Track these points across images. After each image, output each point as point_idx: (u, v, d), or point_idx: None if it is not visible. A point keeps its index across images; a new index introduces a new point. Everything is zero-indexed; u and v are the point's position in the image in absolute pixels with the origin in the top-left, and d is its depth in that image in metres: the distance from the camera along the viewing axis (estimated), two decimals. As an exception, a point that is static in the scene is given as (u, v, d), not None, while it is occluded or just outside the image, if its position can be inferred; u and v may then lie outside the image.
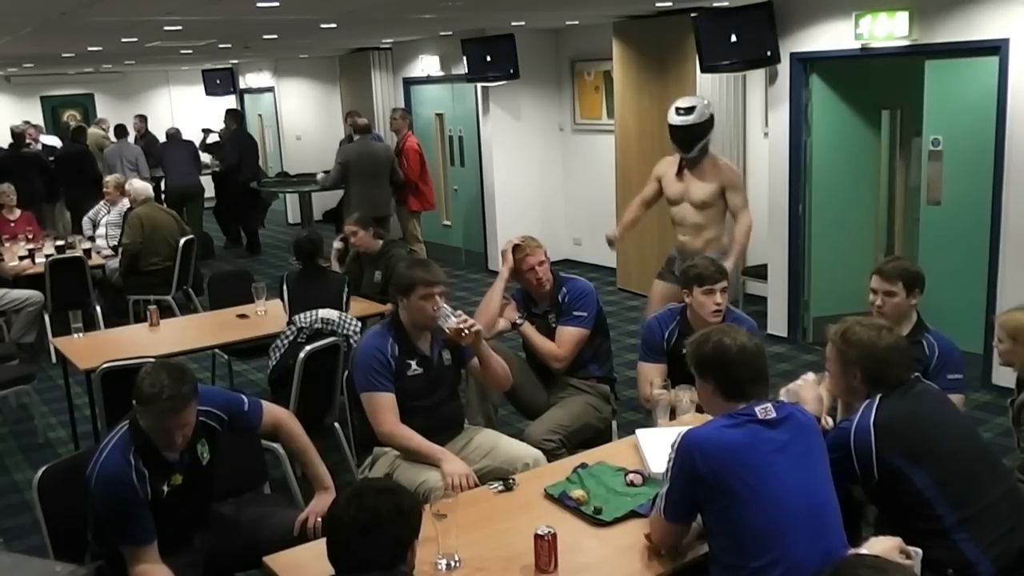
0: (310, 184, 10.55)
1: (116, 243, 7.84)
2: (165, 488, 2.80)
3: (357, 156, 8.51)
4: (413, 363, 3.49)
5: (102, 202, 8.38)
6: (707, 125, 5.37)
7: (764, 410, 2.48)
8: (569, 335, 4.15)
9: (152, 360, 2.86)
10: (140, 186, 7.84)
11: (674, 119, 5.36)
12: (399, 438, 3.39)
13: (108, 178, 8.52)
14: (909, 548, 2.36)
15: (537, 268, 4.18)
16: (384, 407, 3.40)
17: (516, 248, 4.23)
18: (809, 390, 3.05)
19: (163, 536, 2.78)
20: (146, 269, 7.40)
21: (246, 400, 3.13)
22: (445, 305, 3.44)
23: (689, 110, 5.33)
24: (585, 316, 4.17)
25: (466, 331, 3.38)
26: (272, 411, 3.21)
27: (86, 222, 8.49)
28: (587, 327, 4.17)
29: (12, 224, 8.27)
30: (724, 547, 2.41)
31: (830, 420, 3.01)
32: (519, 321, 4.24)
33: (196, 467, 2.91)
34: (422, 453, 3.35)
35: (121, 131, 11.01)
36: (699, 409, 3.43)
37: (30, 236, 8.09)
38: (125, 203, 8.04)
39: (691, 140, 5.33)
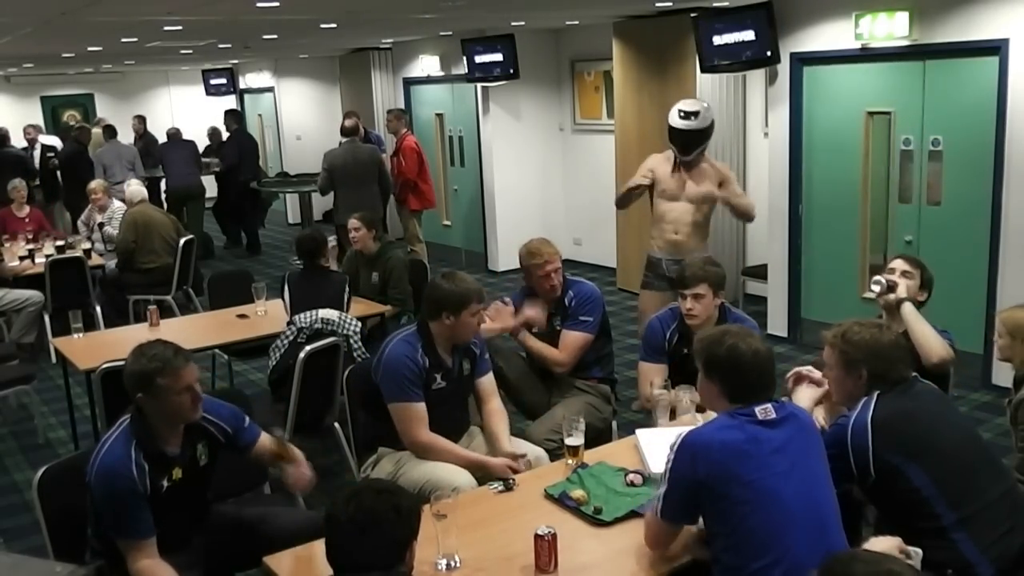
0: (310, 184, 10.55)
1: (111, 245, 7.85)
2: (165, 483, 2.80)
3: (342, 161, 8.45)
4: (439, 377, 3.46)
5: (90, 207, 8.32)
6: (709, 130, 5.37)
7: (764, 411, 2.47)
8: (573, 340, 4.14)
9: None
10: (134, 190, 7.81)
11: (677, 122, 5.35)
12: (437, 451, 3.36)
13: (93, 184, 8.36)
14: (909, 548, 2.35)
15: (553, 275, 4.15)
16: (418, 417, 3.37)
17: (533, 255, 4.15)
18: (804, 394, 3.06)
19: (163, 534, 2.78)
20: (144, 266, 7.41)
21: (247, 419, 3.11)
22: None
23: (694, 115, 5.32)
24: (591, 321, 4.15)
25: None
26: (264, 441, 3.12)
27: (80, 225, 8.49)
28: (592, 332, 4.16)
29: (25, 220, 8.34)
30: (725, 548, 2.41)
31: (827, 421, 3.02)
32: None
33: (194, 464, 2.91)
34: (463, 462, 3.33)
35: (110, 131, 10.85)
36: (699, 409, 3.42)
37: (30, 236, 8.10)
38: (115, 206, 8.03)
39: (692, 144, 5.32)
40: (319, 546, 2.26)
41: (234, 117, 11.48)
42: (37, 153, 11.05)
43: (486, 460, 3.34)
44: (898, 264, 3.74)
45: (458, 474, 3.26)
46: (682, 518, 2.52)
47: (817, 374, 3.07)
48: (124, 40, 8.02)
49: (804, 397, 3.05)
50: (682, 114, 5.35)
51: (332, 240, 6.29)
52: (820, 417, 3.24)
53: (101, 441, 2.80)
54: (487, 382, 3.65)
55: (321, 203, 11.32)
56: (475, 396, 3.66)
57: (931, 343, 3.42)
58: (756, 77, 7.53)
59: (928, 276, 3.71)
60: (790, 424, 2.49)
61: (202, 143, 11.85)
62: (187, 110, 15.11)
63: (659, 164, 5.50)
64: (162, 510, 2.78)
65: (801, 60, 6.54)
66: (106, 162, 10.17)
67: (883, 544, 2.35)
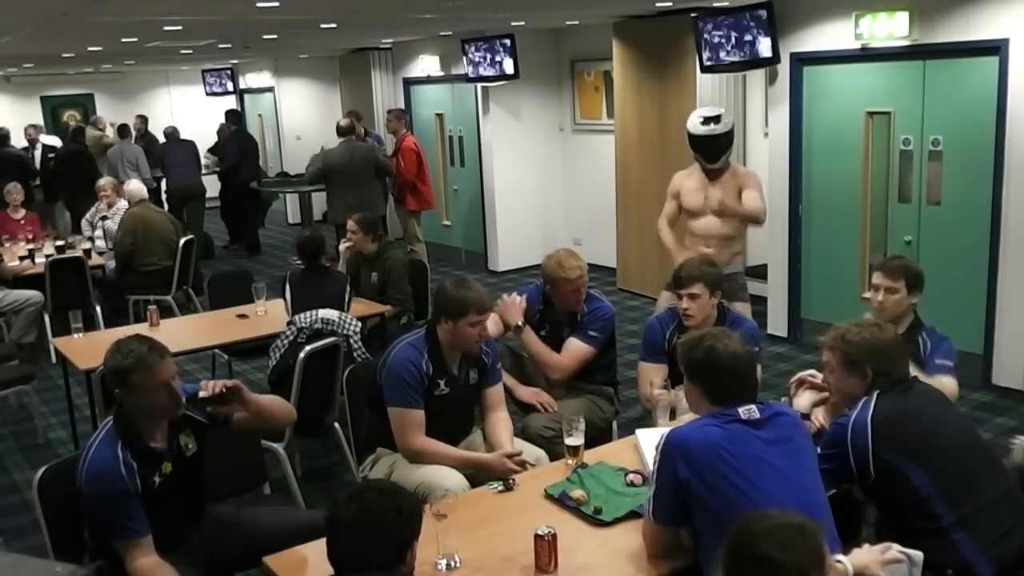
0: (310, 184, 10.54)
1: (111, 243, 7.84)
2: (156, 479, 2.79)
3: (338, 160, 8.45)
4: (442, 383, 3.45)
5: (98, 204, 8.34)
6: (732, 134, 5.26)
7: (748, 411, 2.48)
8: (576, 349, 4.12)
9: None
10: (135, 188, 7.84)
11: (699, 129, 5.20)
12: (432, 456, 3.34)
13: (102, 181, 8.47)
14: (909, 551, 2.34)
15: (582, 289, 4.12)
16: (415, 424, 3.36)
17: (565, 268, 4.08)
18: (805, 397, 3.07)
19: (160, 532, 2.78)
20: (143, 269, 7.41)
21: None
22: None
23: (715, 119, 5.19)
24: (598, 337, 4.14)
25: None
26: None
27: (84, 223, 8.50)
28: (595, 347, 4.14)
29: (21, 223, 8.33)
30: (714, 548, 2.40)
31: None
32: (520, 324, 4.21)
33: (181, 456, 2.90)
34: (461, 464, 3.33)
35: (124, 131, 10.98)
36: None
37: (30, 236, 8.11)
38: (122, 204, 8.04)
39: (717, 150, 5.18)
40: (319, 546, 2.26)
41: (234, 117, 11.48)
42: (38, 153, 11.06)
43: (482, 457, 3.34)
44: (878, 280, 3.58)
45: (450, 476, 3.26)
46: (674, 519, 2.51)
47: (820, 378, 3.07)
48: (124, 40, 8.01)
49: (804, 400, 3.05)
50: (703, 120, 5.21)
51: (345, 242, 6.26)
52: (820, 417, 3.25)
53: (87, 444, 2.79)
54: (496, 392, 3.62)
55: (321, 203, 11.30)
56: (481, 404, 3.63)
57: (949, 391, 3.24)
58: (756, 77, 7.53)
59: (913, 278, 3.55)
60: (776, 423, 2.50)
61: (206, 142, 11.86)
62: (187, 110, 15.09)
63: (683, 181, 5.38)
64: (156, 507, 2.77)
65: (801, 60, 6.54)
66: (112, 161, 10.19)
67: (871, 554, 2.32)
